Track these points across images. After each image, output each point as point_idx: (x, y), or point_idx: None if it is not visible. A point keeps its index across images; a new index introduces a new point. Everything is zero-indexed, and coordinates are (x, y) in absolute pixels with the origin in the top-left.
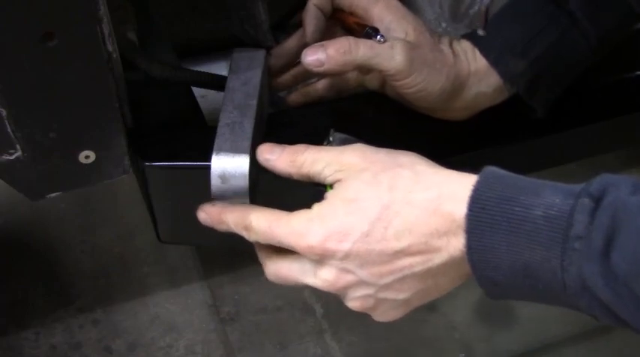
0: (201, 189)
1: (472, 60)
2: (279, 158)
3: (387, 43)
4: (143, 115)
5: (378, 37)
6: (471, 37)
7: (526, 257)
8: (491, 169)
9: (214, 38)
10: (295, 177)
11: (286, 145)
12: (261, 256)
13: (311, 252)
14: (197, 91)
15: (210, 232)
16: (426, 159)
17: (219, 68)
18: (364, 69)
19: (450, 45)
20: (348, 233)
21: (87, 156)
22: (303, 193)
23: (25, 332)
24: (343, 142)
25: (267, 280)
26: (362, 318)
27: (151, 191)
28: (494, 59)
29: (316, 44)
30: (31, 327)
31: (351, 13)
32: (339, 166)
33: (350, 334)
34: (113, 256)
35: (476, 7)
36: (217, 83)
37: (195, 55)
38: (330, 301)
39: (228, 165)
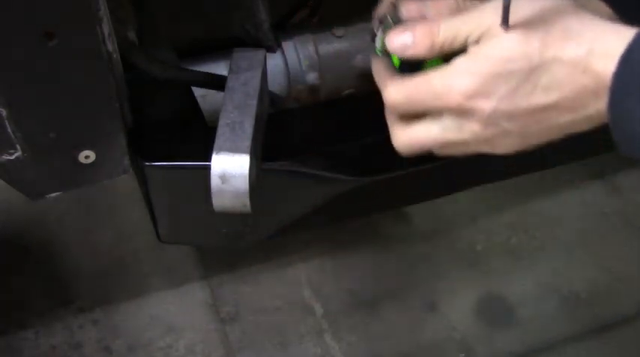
0: (201, 189)
1: None
2: (416, 45)
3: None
4: (143, 115)
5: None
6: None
7: None
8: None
9: (214, 38)
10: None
11: (411, 26)
12: (392, 124)
13: (457, 108)
14: (197, 91)
15: (209, 232)
16: (577, 6)
17: (219, 68)
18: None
19: None
20: (493, 91)
21: (87, 156)
22: (304, 191)
23: (25, 332)
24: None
25: (267, 279)
26: (362, 318)
27: (150, 191)
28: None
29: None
30: (31, 327)
31: None
32: (483, 30)
33: (350, 334)
34: (113, 256)
35: None
36: (217, 83)
37: (195, 55)
38: (330, 301)
39: (229, 165)
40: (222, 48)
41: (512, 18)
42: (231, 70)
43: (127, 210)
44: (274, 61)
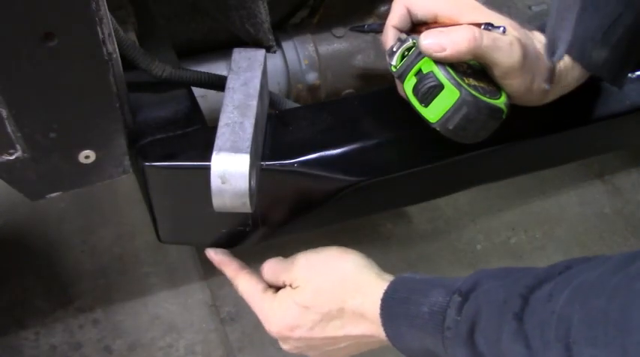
0: (201, 189)
1: None
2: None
3: (507, 38)
4: (143, 115)
5: (501, 28)
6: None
7: (425, 342)
8: (401, 277)
9: (214, 38)
10: None
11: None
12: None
13: (269, 332)
14: (197, 91)
15: (210, 232)
16: (363, 261)
17: (219, 68)
18: (479, 60)
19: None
20: (299, 326)
21: (87, 156)
22: (302, 195)
23: (25, 332)
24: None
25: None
26: None
27: (150, 191)
28: (577, 53)
29: (435, 30)
30: (31, 327)
31: (435, 24)
32: (293, 281)
33: None
34: (113, 256)
35: None
36: (217, 83)
37: (195, 55)
38: None
39: (229, 165)
40: (221, 48)
41: (309, 275)
42: (231, 70)
43: (127, 210)
44: (274, 61)
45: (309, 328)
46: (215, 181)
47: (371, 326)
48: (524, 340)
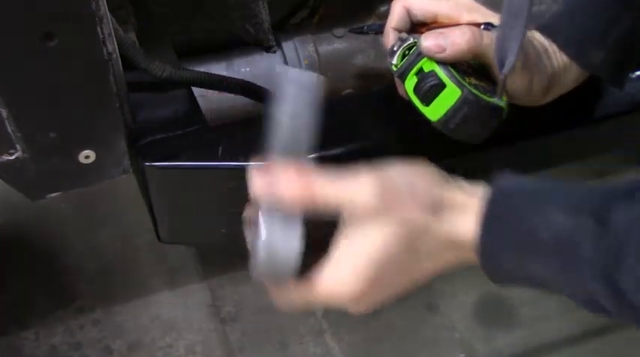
0: (200, 189)
1: (557, 55)
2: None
3: None
4: (143, 115)
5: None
6: (545, 31)
7: (535, 272)
8: (498, 187)
9: (214, 38)
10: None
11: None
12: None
13: (352, 302)
14: (197, 91)
15: (209, 232)
16: (437, 176)
17: (219, 68)
18: (479, 60)
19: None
20: (381, 281)
21: (87, 156)
22: None
23: (25, 332)
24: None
25: None
26: (362, 318)
27: (150, 191)
28: (574, 53)
29: (435, 31)
30: (31, 327)
31: (435, 24)
32: (353, 210)
33: (350, 334)
34: (113, 256)
35: None
36: (217, 83)
37: (195, 55)
38: None
39: (279, 241)
40: (222, 48)
41: (381, 204)
42: (278, 95)
43: (127, 210)
44: (274, 61)
45: (396, 270)
46: (262, 256)
47: (461, 253)
48: None
